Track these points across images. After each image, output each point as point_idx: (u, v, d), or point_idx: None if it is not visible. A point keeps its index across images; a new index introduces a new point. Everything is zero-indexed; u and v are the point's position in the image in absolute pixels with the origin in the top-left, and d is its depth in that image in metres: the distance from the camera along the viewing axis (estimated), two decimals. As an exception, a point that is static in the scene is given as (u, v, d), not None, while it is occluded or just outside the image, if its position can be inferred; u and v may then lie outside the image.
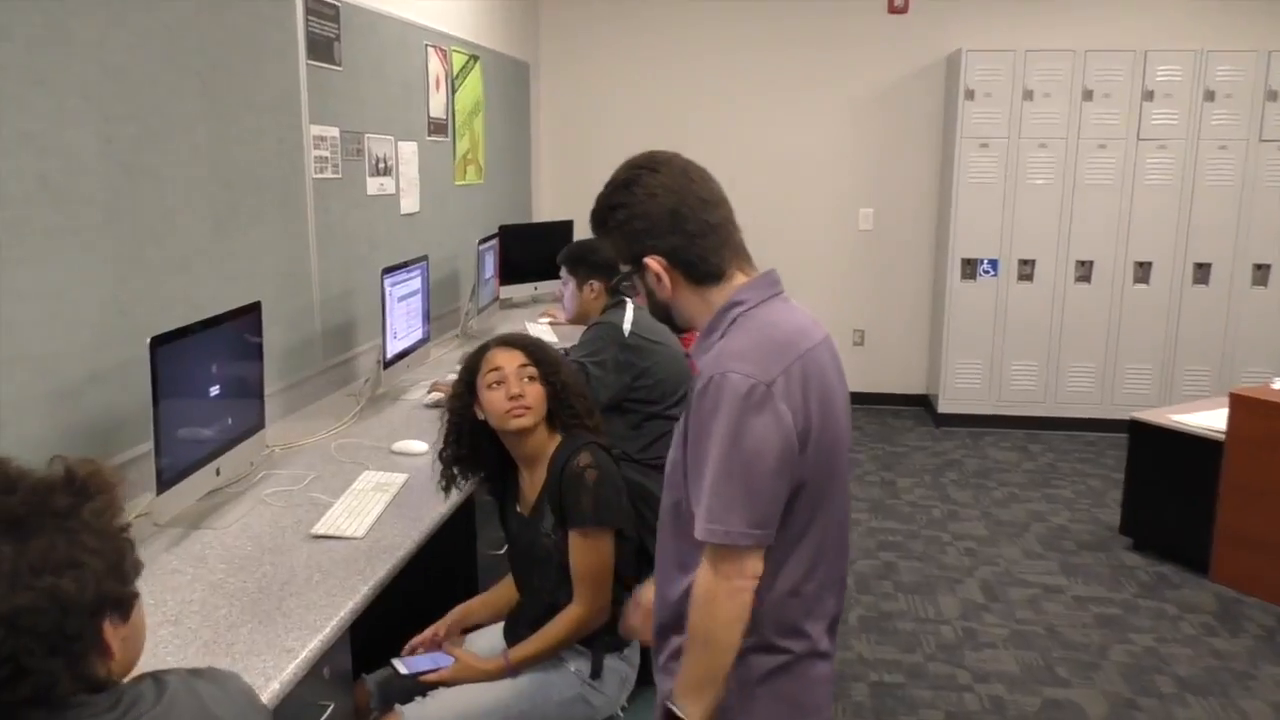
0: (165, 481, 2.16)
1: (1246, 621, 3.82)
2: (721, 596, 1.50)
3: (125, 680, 1.12)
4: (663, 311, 1.69)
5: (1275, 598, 3.95)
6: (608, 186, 1.66)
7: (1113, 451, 5.90)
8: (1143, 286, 6.09)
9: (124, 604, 1.09)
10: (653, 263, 1.61)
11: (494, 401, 2.20)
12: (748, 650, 1.57)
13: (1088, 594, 4.05)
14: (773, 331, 1.56)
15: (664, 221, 1.59)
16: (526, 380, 2.21)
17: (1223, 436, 4.11)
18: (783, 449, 1.49)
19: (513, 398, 2.18)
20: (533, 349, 2.26)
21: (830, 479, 1.59)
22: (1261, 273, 6.02)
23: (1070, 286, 6.12)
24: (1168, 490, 4.36)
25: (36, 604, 1.00)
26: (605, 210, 1.65)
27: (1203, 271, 6.05)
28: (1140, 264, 6.08)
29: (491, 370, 2.22)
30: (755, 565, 1.51)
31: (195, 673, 1.18)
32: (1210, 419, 4.27)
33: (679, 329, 1.73)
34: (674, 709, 1.56)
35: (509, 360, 2.22)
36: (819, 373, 1.56)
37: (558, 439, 2.25)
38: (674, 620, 1.64)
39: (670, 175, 1.62)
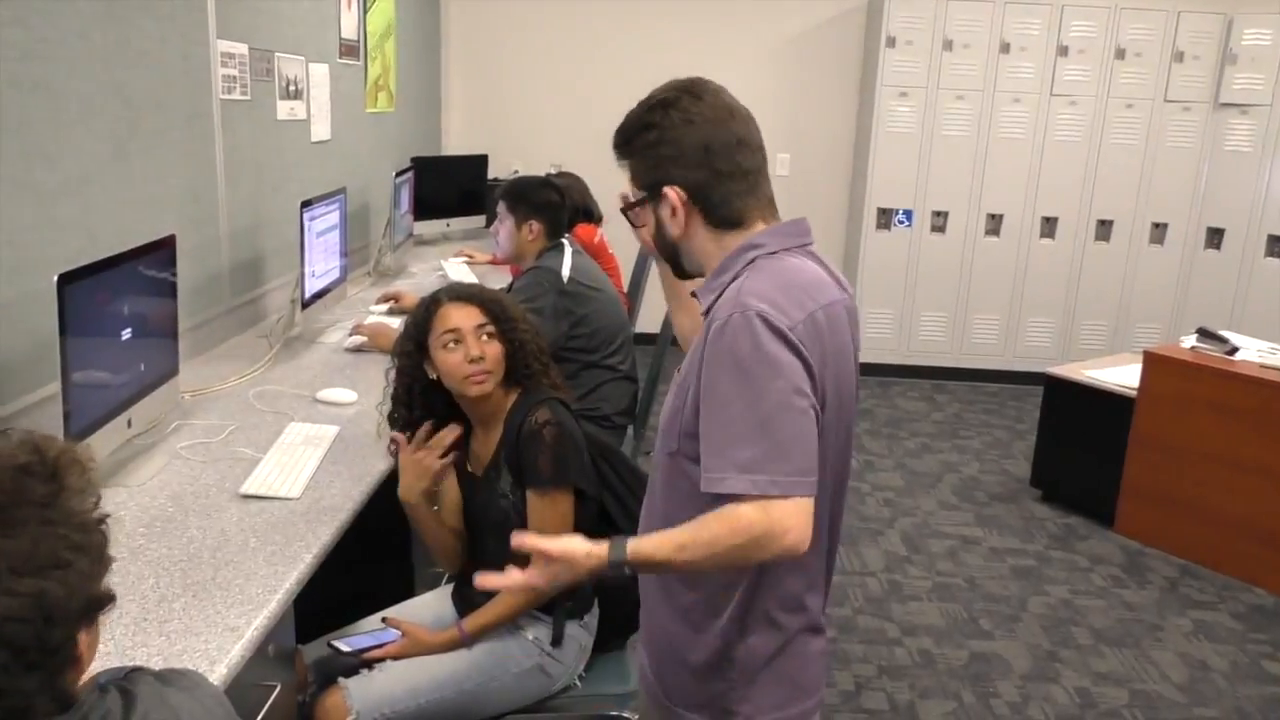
0: (73, 434, 1.92)
1: (1151, 573, 3.94)
2: (763, 538, 1.32)
3: (85, 691, 0.94)
4: (670, 250, 1.54)
5: (1176, 550, 4.09)
6: (643, 104, 1.49)
7: (1014, 403, 6.04)
8: (1048, 241, 6.19)
9: (102, 606, 0.92)
10: (672, 193, 1.46)
11: (450, 364, 2.02)
12: (749, 629, 1.48)
13: (1002, 545, 4.13)
14: (796, 276, 1.43)
15: (695, 153, 1.44)
16: (485, 339, 2.03)
17: (1134, 393, 4.21)
18: (810, 392, 1.37)
19: (473, 361, 2.00)
20: (490, 304, 2.07)
21: (838, 441, 1.48)
22: (1159, 231, 6.19)
23: (980, 239, 6.18)
24: (1078, 444, 4.45)
25: (19, 612, 0.83)
26: (636, 128, 1.48)
27: (1105, 228, 6.19)
28: (1047, 219, 6.17)
29: (447, 331, 2.02)
30: (810, 517, 1.34)
31: (162, 678, 1.02)
32: (1122, 375, 4.37)
33: (686, 273, 1.57)
34: (626, 567, 1.41)
35: (465, 319, 2.03)
36: (838, 330, 1.44)
37: (514, 395, 2.09)
38: (668, 617, 1.53)
39: (713, 106, 1.46)
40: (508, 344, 2.06)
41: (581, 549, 1.43)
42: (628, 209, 1.56)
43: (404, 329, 2.12)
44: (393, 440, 2.14)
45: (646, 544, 1.40)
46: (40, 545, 0.86)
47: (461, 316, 2.03)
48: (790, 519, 1.32)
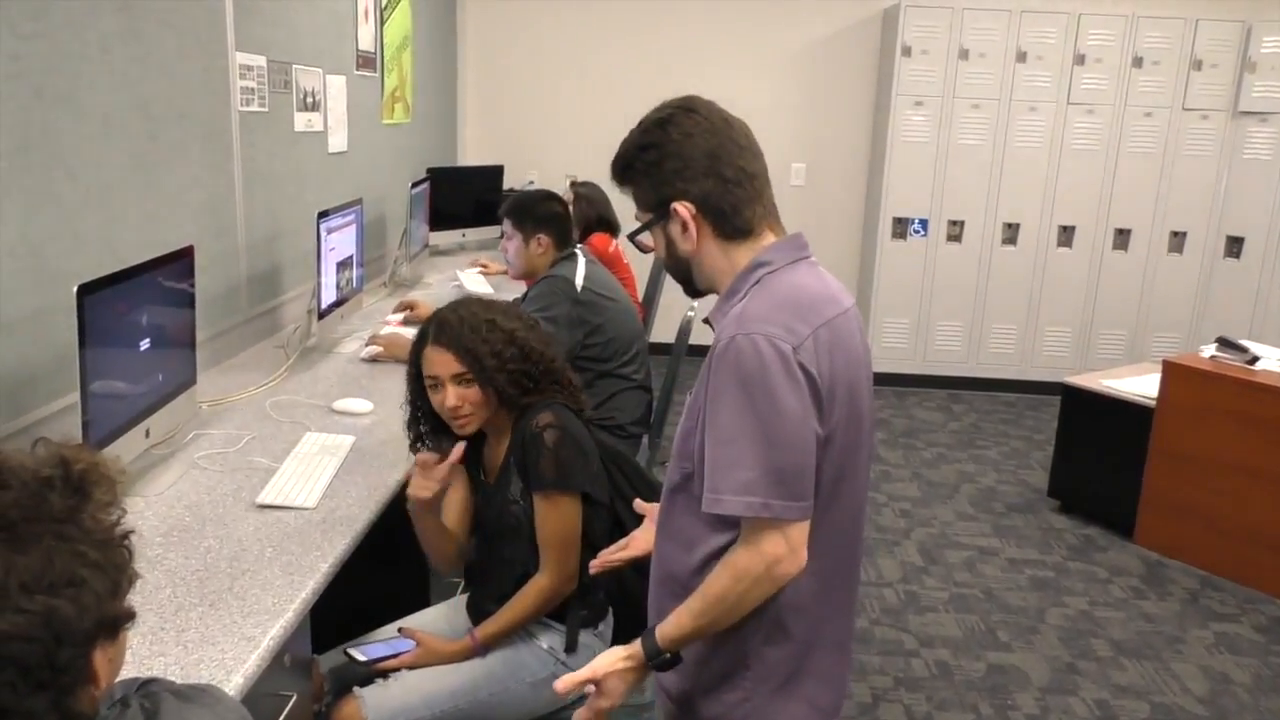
0: (91, 444, 1.93)
1: (1171, 585, 3.91)
2: (762, 576, 1.39)
3: (104, 704, 0.94)
4: (683, 269, 1.54)
5: (1197, 561, 4.05)
6: (637, 129, 1.51)
7: (1031, 413, 6.01)
8: (1065, 250, 6.16)
9: (119, 625, 0.91)
10: (682, 208, 1.46)
11: (436, 403, 2.04)
12: (766, 645, 1.48)
13: (1020, 556, 4.10)
14: (799, 294, 1.43)
15: (700, 163, 1.45)
16: (464, 385, 2.01)
17: (1154, 403, 4.17)
18: (812, 415, 1.37)
19: (451, 408, 2.00)
20: (467, 351, 2.00)
21: (855, 455, 1.48)
22: (1178, 240, 6.14)
23: (997, 248, 6.16)
24: (1096, 454, 4.42)
25: (27, 630, 0.82)
26: (633, 151, 1.49)
27: (1123, 237, 6.15)
28: (1064, 228, 6.14)
29: (428, 376, 2.03)
30: (801, 543, 1.39)
31: (182, 694, 1.01)
32: (1141, 385, 4.33)
33: (698, 292, 1.57)
34: (666, 653, 1.49)
35: (444, 367, 2.01)
36: (846, 341, 1.44)
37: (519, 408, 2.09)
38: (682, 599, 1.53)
39: (708, 117, 1.47)
40: (488, 387, 2.02)
41: (618, 655, 1.52)
42: (635, 235, 1.57)
43: (410, 352, 2.12)
44: (412, 440, 2.16)
45: (668, 626, 1.48)
46: (54, 562, 0.85)
47: (440, 364, 2.01)
48: (779, 548, 1.38)
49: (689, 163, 1.45)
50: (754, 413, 1.35)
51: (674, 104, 1.50)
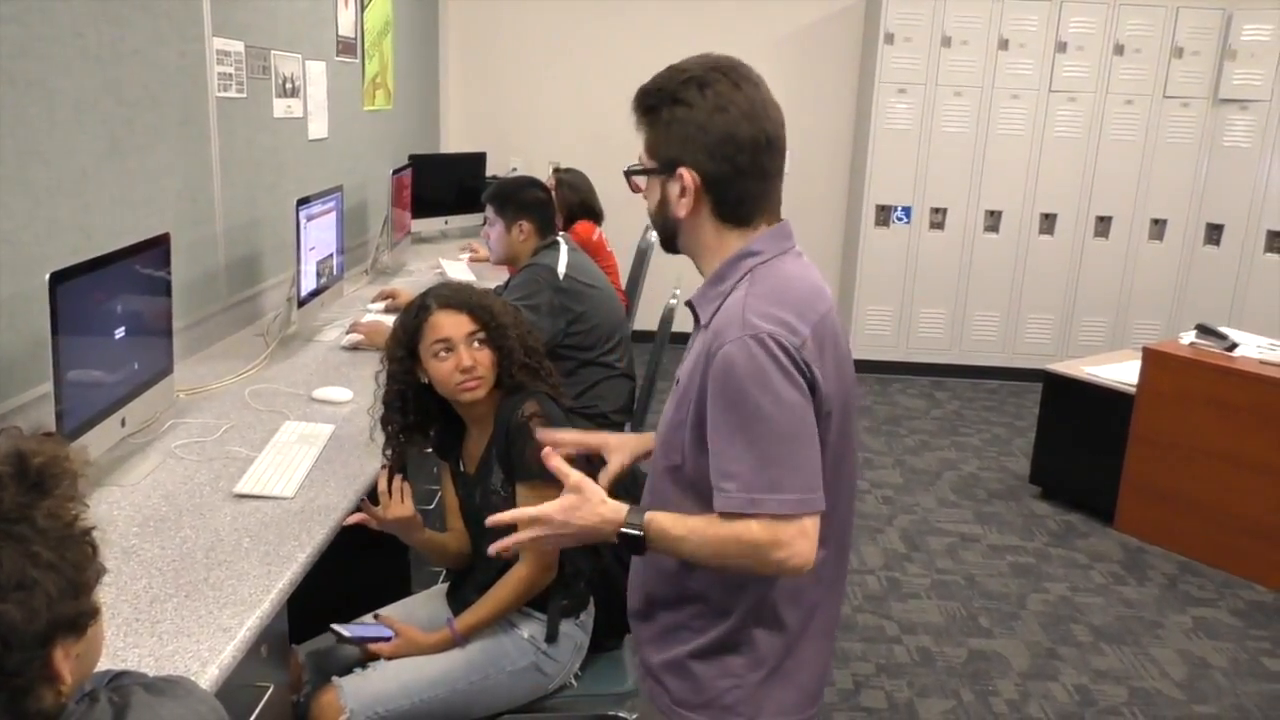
0: (65, 433, 1.91)
1: (1151, 570, 3.93)
2: (769, 560, 1.35)
3: (74, 698, 0.92)
4: (670, 228, 1.49)
5: (1176, 546, 4.08)
6: (676, 73, 1.42)
7: (1014, 400, 6.03)
8: (1047, 238, 6.18)
9: (80, 624, 0.89)
10: (688, 176, 1.41)
11: (442, 372, 2.01)
12: (759, 632, 1.47)
13: (1002, 543, 4.12)
14: (796, 287, 1.41)
15: (721, 143, 1.39)
16: (476, 346, 2.02)
17: (1134, 390, 4.19)
18: (816, 409, 1.36)
19: (465, 370, 1.99)
20: (479, 311, 2.04)
21: (847, 446, 1.48)
22: (1158, 227, 6.17)
23: (979, 236, 6.17)
24: (1077, 441, 4.44)
25: None
26: (666, 96, 1.41)
27: (1104, 225, 6.17)
28: (1046, 215, 6.15)
29: (438, 340, 2.01)
30: (813, 538, 1.36)
31: (153, 687, 0.99)
32: (1122, 372, 4.36)
33: (675, 250, 1.53)
34: (641, 533, 1.40)
35: (456, 328, 2.01)
36: (837, 332, 1.44)
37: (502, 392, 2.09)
38: (667, 595, 1.52)
39: (749, 98, 1.40)
40: (497, 350, 2.04)
41: (599, 491, 1.44)
42: (633, 173, 1.49)
43: (393, 334, 2.09)
44: (389, 447, 2.13)
45: (663, 516, 1.40)
46: (2, 565, 0.82)
47: (452, 325, 2.01)
48: (796, 541, 1.34)
49: (711, 139, 1.39)
50: (763, 412, 1.32)
51: (720, 66, 1.42)
